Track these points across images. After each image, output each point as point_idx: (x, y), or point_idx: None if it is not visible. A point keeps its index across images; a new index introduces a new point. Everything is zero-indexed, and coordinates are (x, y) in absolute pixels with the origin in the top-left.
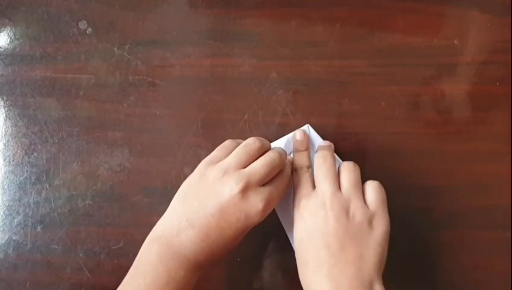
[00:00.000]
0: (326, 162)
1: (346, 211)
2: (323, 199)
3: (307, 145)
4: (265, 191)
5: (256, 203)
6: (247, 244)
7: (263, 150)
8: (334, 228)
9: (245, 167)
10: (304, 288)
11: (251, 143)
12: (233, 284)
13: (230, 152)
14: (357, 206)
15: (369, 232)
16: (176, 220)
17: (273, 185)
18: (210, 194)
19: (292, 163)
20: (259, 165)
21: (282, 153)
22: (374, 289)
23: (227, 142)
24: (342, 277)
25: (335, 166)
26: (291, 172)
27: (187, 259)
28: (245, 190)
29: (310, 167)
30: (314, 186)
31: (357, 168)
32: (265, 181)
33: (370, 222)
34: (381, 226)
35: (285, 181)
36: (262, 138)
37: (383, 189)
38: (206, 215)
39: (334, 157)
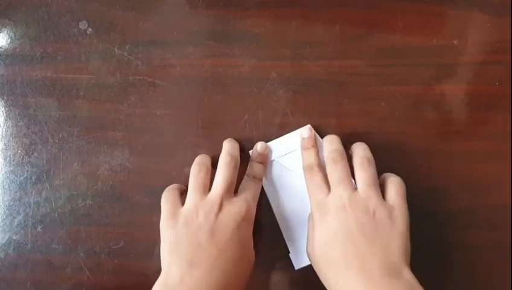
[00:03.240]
0: (338, 165)
1: (367, 209)
2: (342, 202)
3: (314, 142)
4: (240, 196)
5: (236, 209)
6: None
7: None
8: (358, 226)
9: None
10: (331, 289)
11: (197, 170)
12: None
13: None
14: (377, 204)
15: (391, 225)
16: (175, 268)
17: (245, 187)
18: (196, 229)
19: (302, 161)
20: (219, 179)
21: (232, 151)
22: (404, 275)
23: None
24: (372, 268)
25: (347, 166)
26: (304, 171)
27: None
28: (220, 204)
29: (320, 164)
30: (328, 186)
31: (372, 163)
32: (233, 185)
33: (390, 216)
34: (401, 218)
35: (257, 184)
36: (202, 156)
37: (403, 183)
38: (202, 247)
39: (345, 156)
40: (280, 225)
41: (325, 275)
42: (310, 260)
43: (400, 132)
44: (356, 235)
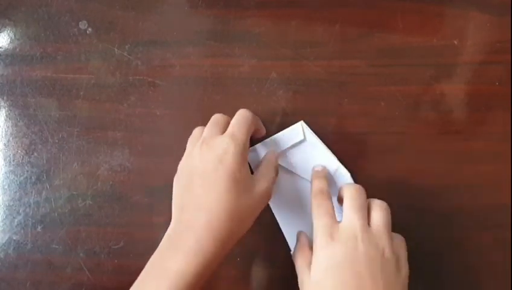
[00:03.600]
0: (361, 196)
1: (377, 246)
2: (354, 231)
3: (326, 173)
4: (226, 134)
5: (220, 143)
6: (248, 244)
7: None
8: (366, 259)
9: None
10: None
11: (219, 118)
12: (233, 284)
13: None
14: (387, 245)
15: (397, 271)
16: (173, 219)
17: (231, 125)
18: (190, 171)
19: (311, 187)
20: (208, 126)
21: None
22: None
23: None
24: None
25: (366, 200)
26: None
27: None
28: (206, 143)
29: (329, 192)
30: (334, 215)
31: (389, 209)
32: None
33: (397, 262)
34: (405, 270)
35: (245, 118)
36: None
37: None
38: (189, 189)
39: (365, 192)
40: (280, 222)
41: None
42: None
43: (400, 132)
44: (362, 268)
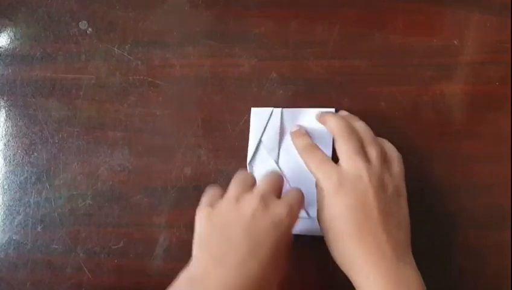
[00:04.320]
0: (352, 137)
1: (382, 184)
2: (359, 172)
3: (304, 130)
4: (284, 198)
5: (279, 210)
6: None
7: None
8: (376, 200)
9: None
10: (341, 261)
11: (244, 175)
12: None
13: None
14: (389, 179)
15: (398, 202)
16: (202, 262)
17: (290, 193)
18: (230, 223)
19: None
20: (264, 181)
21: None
22: (410, 255)
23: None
24: (386, 246)
25: (357, 135)
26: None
27: None
28: (264, 201)
29: (315, 144)
30: (331, 159)
31: (382, 140)
32: (278, 193)
33: (397, 192)
34: (404, 195)
35: (300, 197)
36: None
37: (402, 161)
38: (232, 244)
39: (355, 130)
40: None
41: (335, 245)
42: (320, 229)
43: (400, 131)
44: (374, 212)
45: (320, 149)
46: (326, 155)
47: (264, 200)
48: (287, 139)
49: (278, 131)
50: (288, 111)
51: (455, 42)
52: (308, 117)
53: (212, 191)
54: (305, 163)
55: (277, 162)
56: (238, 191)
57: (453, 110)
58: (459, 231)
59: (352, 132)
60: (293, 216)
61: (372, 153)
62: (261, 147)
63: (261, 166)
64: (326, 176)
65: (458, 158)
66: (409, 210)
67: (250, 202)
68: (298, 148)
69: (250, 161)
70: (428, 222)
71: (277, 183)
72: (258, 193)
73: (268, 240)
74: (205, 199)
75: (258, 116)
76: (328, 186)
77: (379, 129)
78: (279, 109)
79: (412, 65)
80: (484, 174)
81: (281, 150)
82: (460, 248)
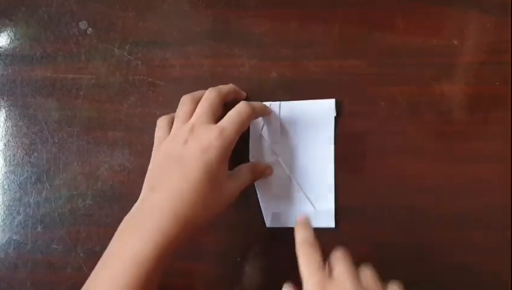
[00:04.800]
0: (346, 259)
1: None
2: None
3: (310, 222)
4: (221, 121)
5: (208, 135)
6: (248, 244)
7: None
8: None
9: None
10: None
11: (185, 100)
12: (233, 284)
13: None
14: None
15: None
16: (141, 193)
17: (228, 114)
18: (166, 156)
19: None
20: (200, 108)
21: (222, 88)
22: None
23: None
24: None
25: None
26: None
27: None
28: (195, 129)
29: (316, 243)
30: (325, 268)
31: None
32: (215, 116)
33: None
34: None
35: (241, 115)
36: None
37: None
38: (164, 172)
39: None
40: (260, 200)
41: None
42: None
43: (400, 131)
44: None
45: (318, 250)
46: (322, 261)
47: (195, 128)
48: (287, 132)
49: (278, 124)
50: (286, 104)
51: (455, 42)
52: (307, 109)
53: (161, 123)
54: (298, 257)
55: (279, 156)
56: (177, 126)
57: (453, 110)
58: (459, 231)
59: (346, 256)
60: (225, 138)
61: (365, 276)
62: (262, 141)
63: (263, 161)
64: (316, 285)
65: (458, 158)
66: (409, 210)
67: (183, 132)
68: (297, 240)
69: (251, 157)
70: (428, 222)
71: (215, 106)
72: (190, 123)
73: (198, 163)
74: (155, 137)
75: None
76: None
77: (379, 129)
78: (277, 103)
79: (412, 65)
80: (484, 174)
81: (282, 144)
82: (461, 248)
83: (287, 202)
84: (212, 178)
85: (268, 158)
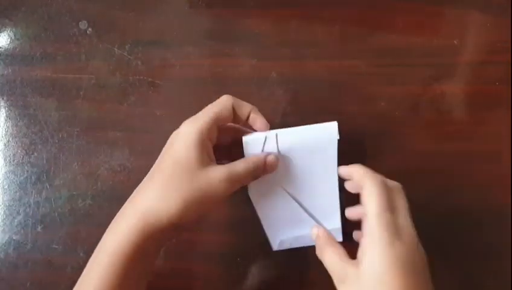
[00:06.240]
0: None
1: (422, 251)
2: (414, 237)
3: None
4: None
5: (183, 128)
6: (248, 244)
7: None
8: (421, 265)
9: None
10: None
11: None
12: (233, 284)
13: None
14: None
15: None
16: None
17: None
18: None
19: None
20: (203, 112)
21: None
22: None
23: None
24: None
25: None
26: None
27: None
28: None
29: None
30: None
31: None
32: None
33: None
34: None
35: (217, 105)
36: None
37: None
38: (154, 167)
39: None
40: (258, 209)
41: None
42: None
43: (400, 132)
44: (419, 267)
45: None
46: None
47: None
48: (289, 160)
49: (277, 154)
50: (283, 133)
51: (455, 42)
52: (308, 136)
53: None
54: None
55: (281, 184)
56: None
57: (453, 110)
58: (460, 231)
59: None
60: (195, 123)
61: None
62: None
63: (264, 192)
64: (386, 224)
65: (458, 158)
66: (409, 210)
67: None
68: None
69: (251, 187)
70: (428, 222)
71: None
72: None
73: (168, 152)
74: None
75: (251, 145)
76: (386, 234)
77: (379, 129)
78: (274, 133)
79: (412, 65)
80: (484, 174)
81: (283, 172)
82: (460, 248)
83: (295, 227)
84: (181, 169)
85: (271, 188)
